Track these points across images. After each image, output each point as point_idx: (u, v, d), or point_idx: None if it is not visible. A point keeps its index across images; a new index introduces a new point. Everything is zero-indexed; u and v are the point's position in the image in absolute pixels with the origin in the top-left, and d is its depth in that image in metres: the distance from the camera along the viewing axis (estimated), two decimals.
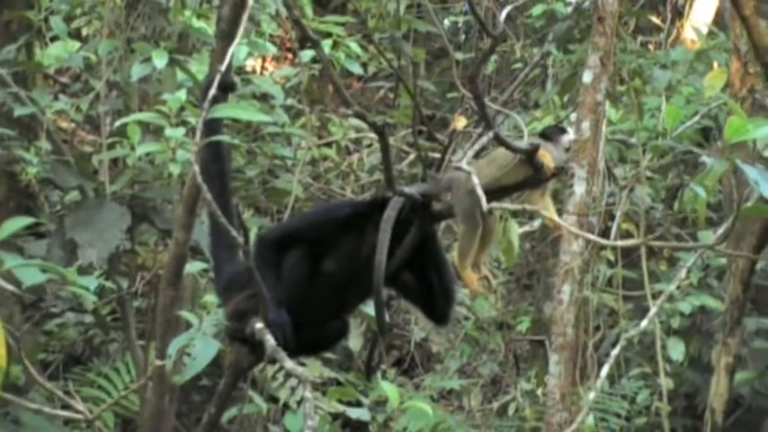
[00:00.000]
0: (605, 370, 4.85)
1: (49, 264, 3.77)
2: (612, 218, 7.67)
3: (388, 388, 5.06)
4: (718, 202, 7.87)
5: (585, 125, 6.40)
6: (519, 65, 9.93)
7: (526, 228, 8.41)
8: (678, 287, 7.38)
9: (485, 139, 4.19)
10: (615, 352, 4.69)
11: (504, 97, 9.53)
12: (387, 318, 4.26)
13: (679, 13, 9.91)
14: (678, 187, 8.18)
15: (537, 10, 8.58)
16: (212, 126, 4.06)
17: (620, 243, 5.86)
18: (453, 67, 8.42)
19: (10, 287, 3.62)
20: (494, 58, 10.25)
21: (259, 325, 3.97)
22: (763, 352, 8.47)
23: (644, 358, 8.30)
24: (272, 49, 7.88)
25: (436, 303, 4.25)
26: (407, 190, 4.13)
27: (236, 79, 6.83)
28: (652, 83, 7.71)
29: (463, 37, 12.10)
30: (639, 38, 9.19)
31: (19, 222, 3.65)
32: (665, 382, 6.86)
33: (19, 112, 6.32)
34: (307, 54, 7.94)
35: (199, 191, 4.54)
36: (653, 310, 5.07)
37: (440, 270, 4.23)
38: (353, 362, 8.94)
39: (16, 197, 6.76)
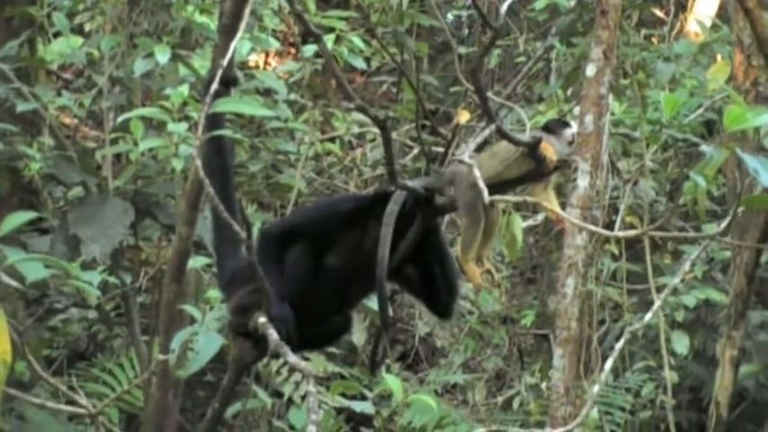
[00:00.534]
0: (609, 363, 4.84)
1: (53, 259, 3.77)
2: (616, 211, 7.66)
3: (392, 382, 5.04)
4: (722, 196, 7.86)
5: (589, 118, 6.40)
6: (522, 59, 9.92)
7: (530, 221, 8.40)
8: (682, 280, 7.38)
9: (487, 132, 4.18)
10: (619, 345, 4.67)
11: (508, 91, 9.52)
12: (390, 312, 4.26)
13: (682, 6, 9.89)
14: (682, 180, 8.17)
15: (540, 3, 8.56)
16: (215, 121, 4.04)
17: (621, 234, 5.86)
18: (456, 61, 8.40)
19: (13, 283, 3.62)
20: (497, 51, 10.25)
21: (262, 319, 3.97)
22: None
23: (648, 352, 8.30)
24: (275, 44, 7.88)
25: (440, 297, 4.25)
26: (410, 184, 4.13)
27: (239, 74, 6.83)
28: (655, 76, 7.70)
29: (466, 31, 12.08)
30: (643, 31, 9.16)
31: (22, 218, 3.64)
32: (670, 376, 6.86)
33: (22, 107, 6.31)
34: (309, 49, 7.94)
35: (201, 186, 4.53)
36: (657, 304, 5.05)
37: (443, 264, 4.22)
38: (357, 356, 8.94)
39: (19, 193, 6.74)
